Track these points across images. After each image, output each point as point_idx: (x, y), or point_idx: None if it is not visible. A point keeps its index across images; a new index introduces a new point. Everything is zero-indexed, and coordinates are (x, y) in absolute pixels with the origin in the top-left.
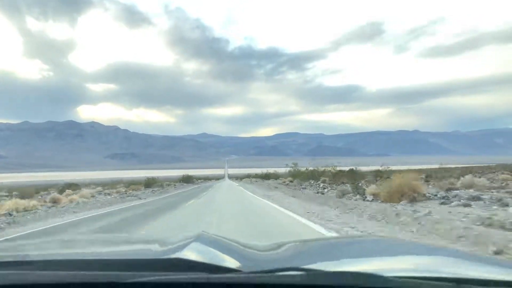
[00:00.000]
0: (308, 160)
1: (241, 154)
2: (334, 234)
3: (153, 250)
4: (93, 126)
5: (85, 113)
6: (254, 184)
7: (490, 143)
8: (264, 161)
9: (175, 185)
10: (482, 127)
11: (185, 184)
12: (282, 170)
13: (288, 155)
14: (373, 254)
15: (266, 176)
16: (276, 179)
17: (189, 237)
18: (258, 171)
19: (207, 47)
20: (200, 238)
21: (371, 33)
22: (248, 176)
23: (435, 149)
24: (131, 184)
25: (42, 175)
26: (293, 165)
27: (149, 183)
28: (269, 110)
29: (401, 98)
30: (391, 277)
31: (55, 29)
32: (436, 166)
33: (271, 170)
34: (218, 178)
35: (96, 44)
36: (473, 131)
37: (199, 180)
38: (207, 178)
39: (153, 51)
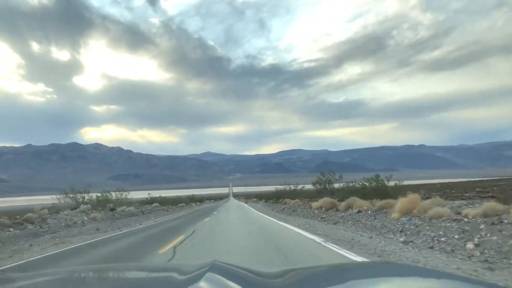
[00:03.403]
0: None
1: (245, 172)
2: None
3: (169, 282)
4: (97, 148)
5: (88, 135)
6: None
7: (498, 155)
8: (269, 179)
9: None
10: (489, 139)
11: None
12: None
13: (293, 172)
14: (381, 280)
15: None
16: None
17: (203, 265)
18: (263, 189)
19: (209, 66)
20: (214, 268)
21: (374, 47)
22: (282, 193)
23: (442, 163)
24: None
25: (43, 198)
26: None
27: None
28: (273, 127)
29: (405, 112)
30: None
31: (58, 51)
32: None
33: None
34: (221, 197)
35: (98, 65)
36: (480, 144)
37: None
38: (192, 200)
39: (156, 71)
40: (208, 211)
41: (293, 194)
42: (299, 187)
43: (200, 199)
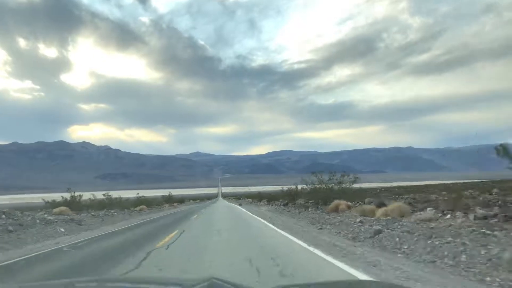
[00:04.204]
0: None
1: (235, 173)
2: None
3: None
4: (84, 146)
5: (76, 133)
6: None
7: (484, 158)
8: (258, 179)
9: None
10: (475, 142)
11: None
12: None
13: (283, 173)
14: None
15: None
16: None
17: (200, 281)
18: (253, 189)
19: (199, 66)
20: (213, 285)
21: (364, 50)
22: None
23: (429, 165)
24: None
25: (30, 197)
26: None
27: None
28: (262, 128)
29: (394, 114)
30: None
31: (45, 48)
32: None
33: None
34: (210, 198)
35: (87, 63)
36: (466, 146)
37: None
38: (168, 201)
39: (145, 70)
40: (164, 227)
41: (330, 194)
42: (343, 184)
43: (181, 200)
